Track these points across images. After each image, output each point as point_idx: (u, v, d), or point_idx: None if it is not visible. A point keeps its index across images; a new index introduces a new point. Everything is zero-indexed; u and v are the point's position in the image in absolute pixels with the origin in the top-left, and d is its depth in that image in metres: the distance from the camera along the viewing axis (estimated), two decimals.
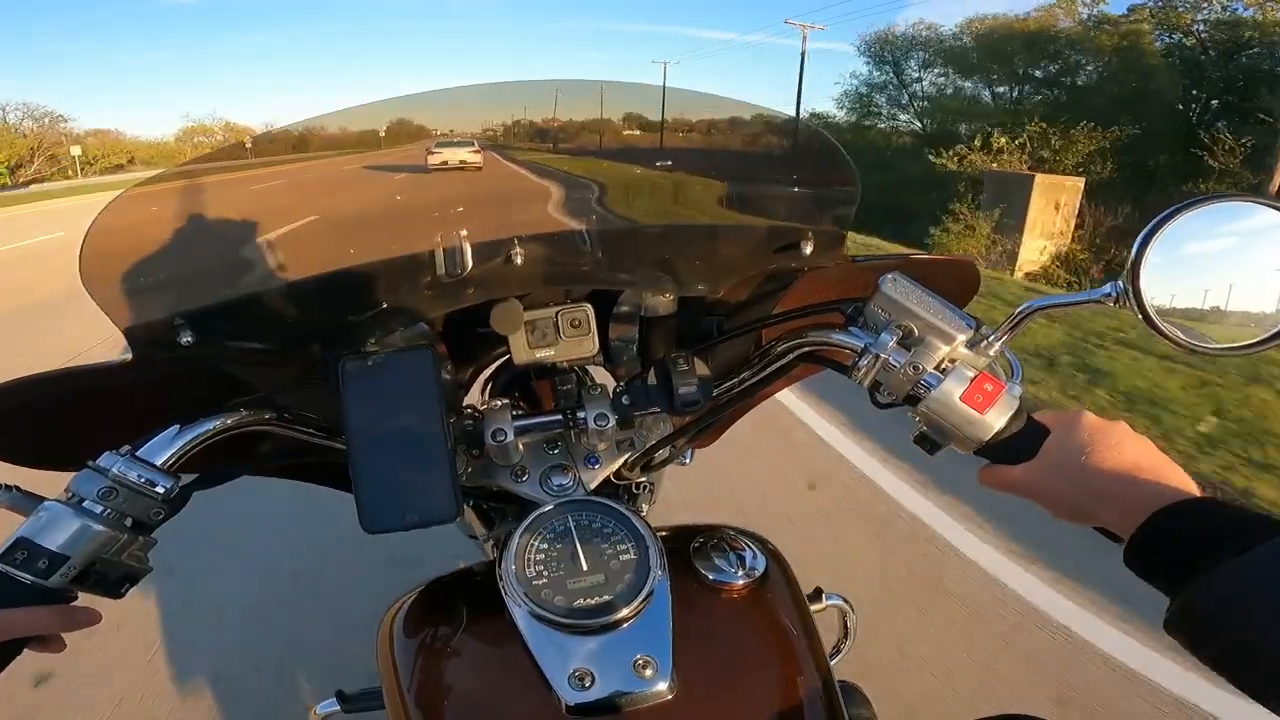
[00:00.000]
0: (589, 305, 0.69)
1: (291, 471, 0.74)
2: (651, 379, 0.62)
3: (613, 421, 0.61)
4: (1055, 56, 20.89)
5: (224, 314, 0.56)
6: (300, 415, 0.61)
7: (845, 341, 0.58)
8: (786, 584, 0.60)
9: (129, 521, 0.50)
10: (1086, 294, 0.50)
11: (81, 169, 36.16)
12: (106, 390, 0.58)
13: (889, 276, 0.55)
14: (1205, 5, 17.92)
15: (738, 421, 0.90)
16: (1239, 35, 17.22)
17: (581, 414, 0.61)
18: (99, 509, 0.48)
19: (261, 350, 0.59)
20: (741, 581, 0.57)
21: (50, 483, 0.53)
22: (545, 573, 0.52)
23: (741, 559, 0.59)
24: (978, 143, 16.73)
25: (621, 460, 0.65)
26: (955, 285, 0.72)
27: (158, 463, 0.51)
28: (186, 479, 0.53)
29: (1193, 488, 0.44)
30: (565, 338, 0.68)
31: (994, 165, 15.77)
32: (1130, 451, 0.46)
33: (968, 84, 23.20)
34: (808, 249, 0.66)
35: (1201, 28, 18.20)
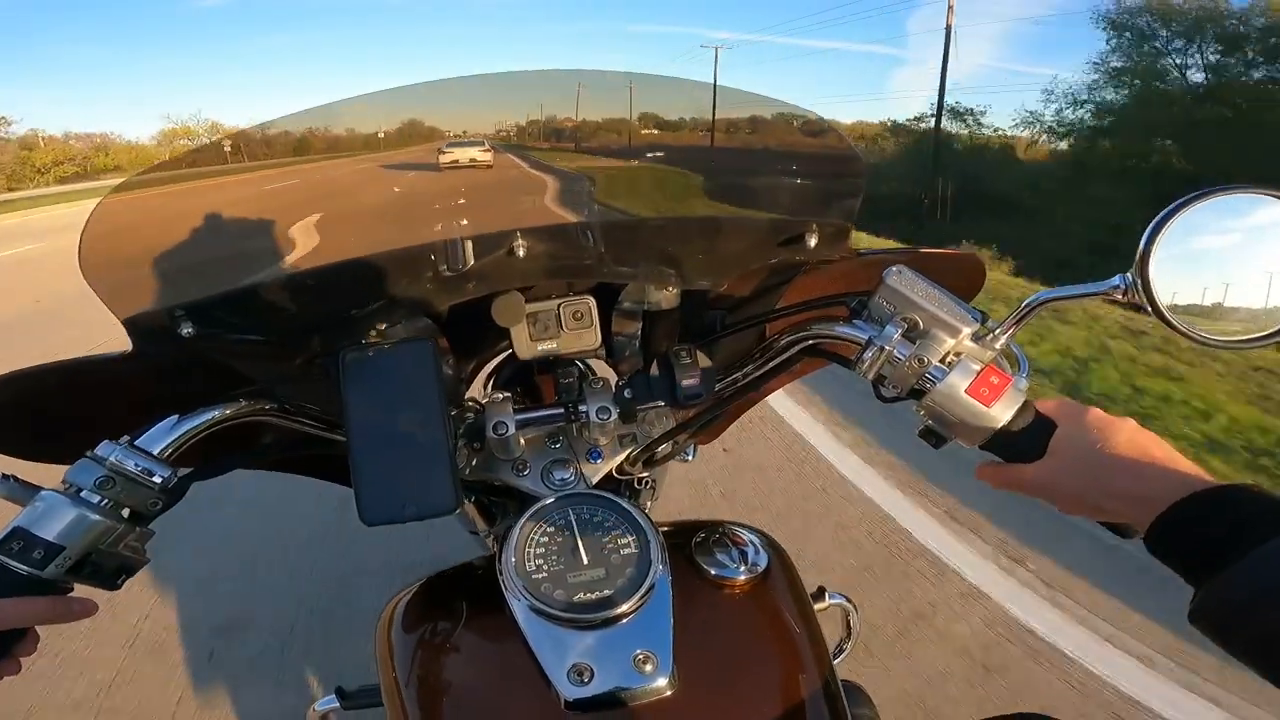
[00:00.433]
0: (591, 298, 0.69)
1: (288, 465, 0.74)
2: (654, 373, 0.62)
3: (615, 415, 0.60)
4: None
5: (225, 305, 0.56)
6: (300, 407, 0.60)
7: (849, 334, 0.57)
8: (789, 581, 0.60)
9: (126, 512, 0.49)
10: (1095, 285, 0.50)
11: (33, 177, 32.49)
12: (105, 382, 0.57)
13: (894, 269, 0.55)
14: None
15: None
16: None
17: (583, 407, 0.61)
18: (96, 499, 0.47)
19: (262, 342, 0.59)
20: (744, 577, 0.57)
21: (49, 473, 0.53)
22: (545, 566, 0.52)
23: (744, 554, 0.58)
24: None
25: (623, 455, 0.64)
26: (960, 279, 0.72)
27: (155, 452, 0.51)
28: (185, 470, 0.52)
29: (1208, 480, 0.44)
30: (567, 330, 0.68)
31: None
32: (1143, 446, 0.46)
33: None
34: (812, 242, 0.65)
35: None
